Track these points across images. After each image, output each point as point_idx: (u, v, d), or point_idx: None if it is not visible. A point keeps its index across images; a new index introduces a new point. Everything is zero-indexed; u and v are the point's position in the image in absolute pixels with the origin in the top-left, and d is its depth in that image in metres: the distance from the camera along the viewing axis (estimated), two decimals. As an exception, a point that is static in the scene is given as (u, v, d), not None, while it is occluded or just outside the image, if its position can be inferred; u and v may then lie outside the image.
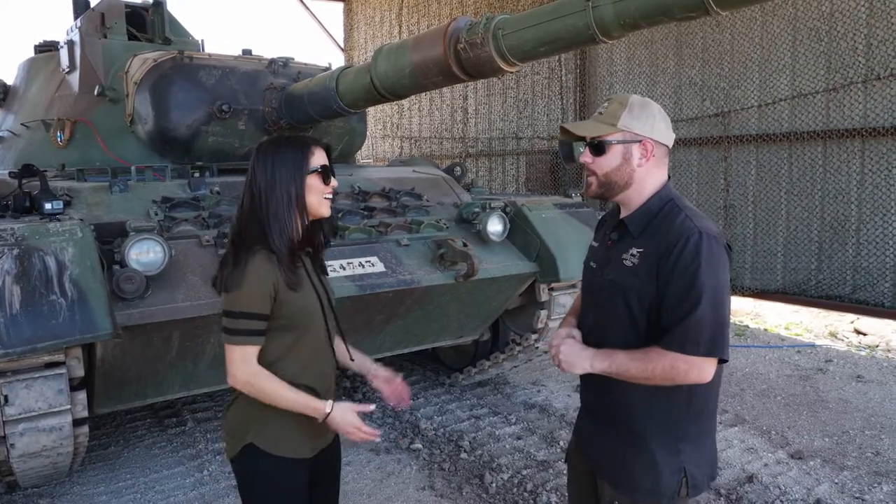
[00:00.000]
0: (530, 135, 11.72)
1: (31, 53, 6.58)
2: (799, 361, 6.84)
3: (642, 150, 2.13)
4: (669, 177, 2.23)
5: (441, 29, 3.64)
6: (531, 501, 4.12)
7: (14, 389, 3.31)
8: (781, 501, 4.10)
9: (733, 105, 8.46)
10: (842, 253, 7.48)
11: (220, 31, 31.59)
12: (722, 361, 2.04)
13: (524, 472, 4.47)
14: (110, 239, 3.71)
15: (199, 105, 5.14)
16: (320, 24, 16.48)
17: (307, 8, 16.12)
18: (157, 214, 4.12)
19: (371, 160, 15.11)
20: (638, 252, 2.10)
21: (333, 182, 2.32)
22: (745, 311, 8.95)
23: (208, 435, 5.12)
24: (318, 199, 2.28)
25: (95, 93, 5.38)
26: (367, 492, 4.28)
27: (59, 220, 3.57)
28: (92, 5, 5.94)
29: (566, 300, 4.99)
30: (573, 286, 4.95)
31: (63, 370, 3.41)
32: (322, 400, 2.27)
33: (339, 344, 2.51)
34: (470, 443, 4.91)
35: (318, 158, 2.28)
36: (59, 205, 3.86)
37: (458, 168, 5.98)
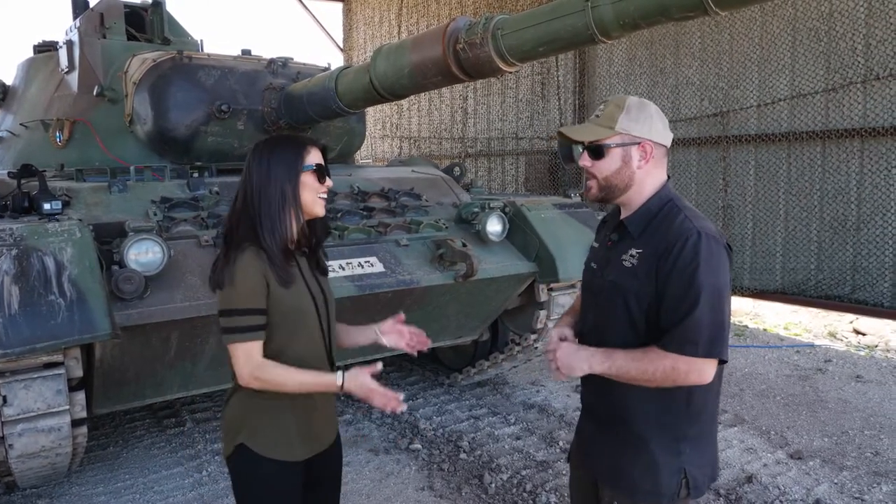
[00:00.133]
0: (530, 135, 11.73)
1: (31, 53, 6.58)
2: (798, 361, 6.84)
3: (641, 152, 2.12)
4: (669, 177, 2.22)
5: (440, 29, 3.63)
6: (530, 502, 4.11)
7: (13, 390, 3.30)
8: (781, 501, 4.10)
9: (732, 105, 8.46)
10: (841, 253, 7.48)
11: (220, 31, 31.62)
12: (722, 362, 2.03)
13: (523, 473, 4.46)
14: (109, 239, 3.71)
15: (198, 105, 5.13)
16: (319, 24, 16.48)
17: (306, 8, 16.12)
18: (155, 215, 4.12)
19: (370, 160, 15.10)
20: (637, 253, 2.10)
21: (328, 182, 2.32)
22: (744, 311, 8.95)
23: (207, 435, 5.11)
24: (313, 197, 2.28)
25: (94, 93, 5.38)
26: (366, 492, 4.28)
27: (57, 220, 3.56)
28: (91, 5, 5.93)
29: (565, 300, 4.99)
30: (572, 286, 4.95)
31: (62, 370, 3.40)
32: (332, 374, 2.25)
33: (342, 330, 2.49)
34: (469, 443, 4.91)
35: (314, 157, 2.28)
36: (57, 205, 3.86)
37: (457, 168, 5.98)
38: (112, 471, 4.60)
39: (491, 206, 4.89)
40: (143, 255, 3.58)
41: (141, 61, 5.28)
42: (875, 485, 4.29)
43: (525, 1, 11.11)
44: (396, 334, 2.55)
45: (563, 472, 4.41)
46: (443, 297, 4.63)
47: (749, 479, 4.36)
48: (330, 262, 4.11)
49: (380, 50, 4.10)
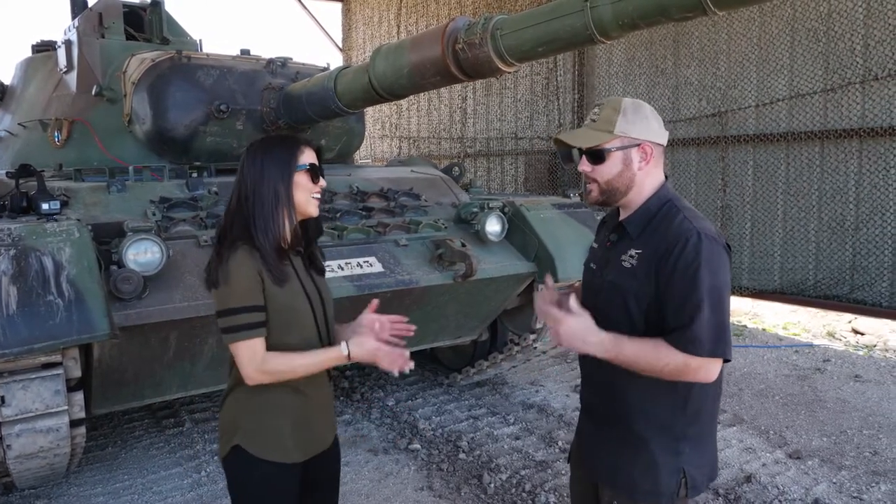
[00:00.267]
0: (529, 135, 11.72)
1: (29, 53, 6.57)
2: (797, 361, 6.85)
3: (642, 154, 2.12)
4: (667, 177, 2.22)
5: (439, 29, 3.63)
6: (529, 502, 4.11)
7: (11, 390, 3.30)
8: (780, 501, 4.10)
9: (731, 105, 8.47)
10: (839, 253, 7.48)
11: (218, 31, 31.61)
12: (725, 361, 2.04)
13: (522, 473, 4.46)
14: (108, 239, 3.71)
15: (196, 105, 5.13)
16: (318, 24, 16.46)
17: (305, 8, 16.11)
18: (154, 215, 4.12)
19: (369, 160, 15.09)
20: (636, 253, 2.10)
21: (322, 182, 2.32)
22: (742, 311, 8.96)
23: (206, 436, 5.11)
24: (306, 197, 2.28)
25: (93, 93, 5.37)
26: (365, 492, 4.27)
27: (56, 220, 3.55)
28: (90, 5, 5.93)
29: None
30: (571, 286, 4.94)
31: (60, 371, 3.41)
32: (336, 346, 2.25)
33: (340, 330, 2.45)
34: (468, 443, 4.91)
35: (308, 157, 2.29)
36: (56, 205, 3.85)
37: (456, 168, 5.98)
38: (111, 471, 4.59)
39: (490, 206, 4.89)
40: (142, 255, 3.57)
41: (140, 61, 5.28)
42: (874, 484, 4.29)
43: (524, 1, 11.10)
44: (370, 329, 2.33)
45: (563, 471, 4.41)
46: (442, 297, 4.63)
47: (748, 478, 4.36)
48: (329, 262, 4.13)
49: (379, 50, 4.10)
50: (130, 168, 4.68)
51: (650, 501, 2.13)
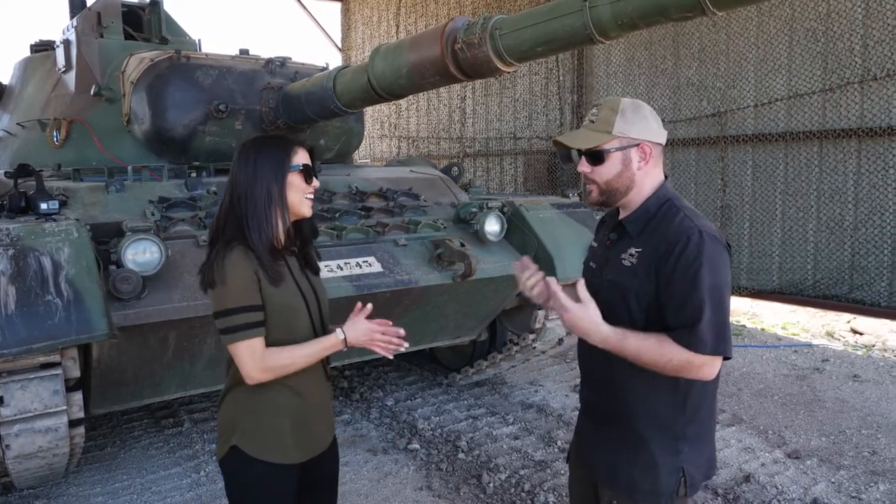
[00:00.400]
0: (528, 135, 11.73)
1: (28, 53, 6.56)
2: (796, 361, 6.85)
3: (641, 154, 2.12)
4: (667, 176, 2.22)
5: (438, 29, 3.63)
6: (529, 501, 4.11)
7: (9, 390, 3.30)
8: (778, 501, 4.10)
9: (730, 105, 8.47)
10: (838, 253, 7.49)
11: (218, 30, 31.59)
12: (726, 359, 2.04)
13: (522, 473, 4.46)
14: (106, 239, 3.70)
15: (195, 105, 5.13)
16: (318, 23, 16.46)
17: (304, 8, 16.11)
18: (153, 214, 4.11)
19: (368, 160, 15.10)
20: (637, 252, 2.10)
21: (315, 182, 2.32)
22: (742, 310, 8.96)
23: (205, 436, 5.11)
24: (300, 197, 2.28)
25: (92, 92, 5.36)
26: (364, 492, 4.27)
27: (55, 220, 3.55)
28: (88, 4, 5.92)
29: (563, 300, 4.99)
30: (571, 286, 4.94)
31: (59, 371, 3.40)
32: (332, 333, 2.27)
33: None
34: (467, 443, 4.91)
35: (301, 158, 2.28)
36: (54, 205, 3.85)
37: (455, 168, 5.98)
38: (110, 471, 4.59)
39: (489, 205, 4.89)
40: (141, 254, 3.57)
41: (138, 61, 5.27)
42: (872, 484, 4.29)
43: (523, 1, 11.10)
44: (360, 319, 2.33)
45: (562, 471, 4.41)
46: (441, 297, 4.63)
47: (747, 478, 4.36)
48: (328, 262, 4.14)
49: (378, 50, 4.10)
50: (129, 168, 4.68)
51: (650, 501, 2.13)
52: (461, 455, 4.73)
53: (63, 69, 5.78)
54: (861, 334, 7.82)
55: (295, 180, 2.25)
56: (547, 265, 4.70)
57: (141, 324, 3.53)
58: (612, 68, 10.21)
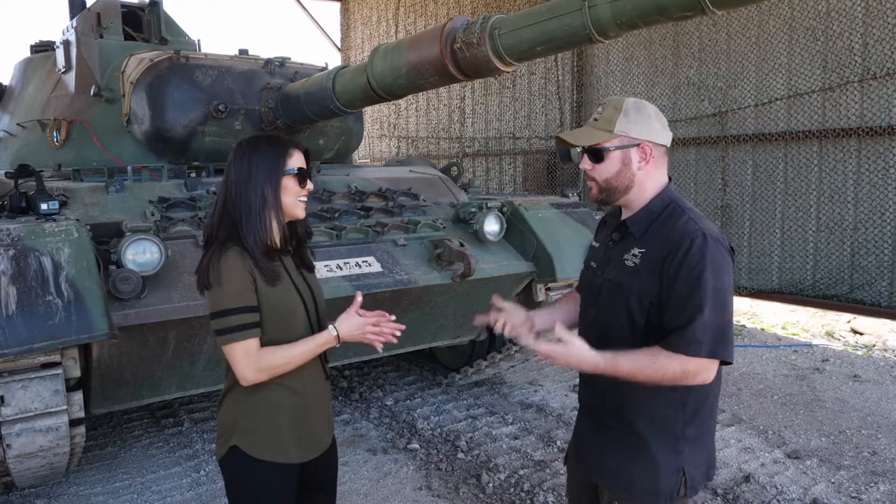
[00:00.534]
0: (527, 135, 11.72)
1: (28, 53, 6.57)
2: (796, 361, 6.85)
3: (641, 154, 2.12)
4: (670, 178, 2.22)
5: (437, 29, 3.63)
6: (528, 501, 4.12)
7: (10, 390, 3.31)
8: (778, 501, 4.10)
9: (730, 105, 8.46)
10: (838, 252, 7.48)
11: (217, 31, 31.59)
12: (726, 363, 2.04)
13: (521, 472, 4.47)
14: (106, 239, 3.71)
15: (195, 105, 5.14)
16: (317, 23, 16.46)
17: (304, 8, 16.10)
18: (153, 215, 4.12)
19: (368, 160, 15.10)
20: (640, 252, 2.10)
21: (309, 185, 2.33)
22: (741, 310, 8.96)
23: (205, 435, 5.11)
24: (293, 200, 2.28)
25: (92, 93, 5.37)
26: (363, 492, 4.28)
27: (55, 220, 3.56)
28: (88, 5, 5.93)
29: (563, 300, 4.99)
30: (570, 286, 4.95)
31: (59, 371, 3.41)
32: (324, 330, 2.27)
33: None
34: (467, 443, 4.91)
35: (296, 160, 2.28)
36: (55, 205, 3.86)
37: (454, 168, 5.98)
38: (110, 471, 4.60)
39: (488, 205, 4.89)
40: (141, 255, 3.58)
41: (138, 61, 5.28)
42: (872, 484, 4.29)
43: (522, 0, 11.10)
44: (352, 313, 2.32)
45: (561, 471, 4.41)
46: (440, 296, 4.63)
47: (746, 478, 4.36)
48: (327, 262, 4.15)
49: (377, 49, 4.10)
50: (129, 168, 4.69)
51: (649, 501, 2.13)
52: (460, 455, 4.73)
53: (63, 70, 5.78)
54: (861, 334, 7.82)
55: (289, 183, 2.26)
56: (546, 265, 4.71)
57: (141, 324, 3.54)
58: (611, 67, 10.21)
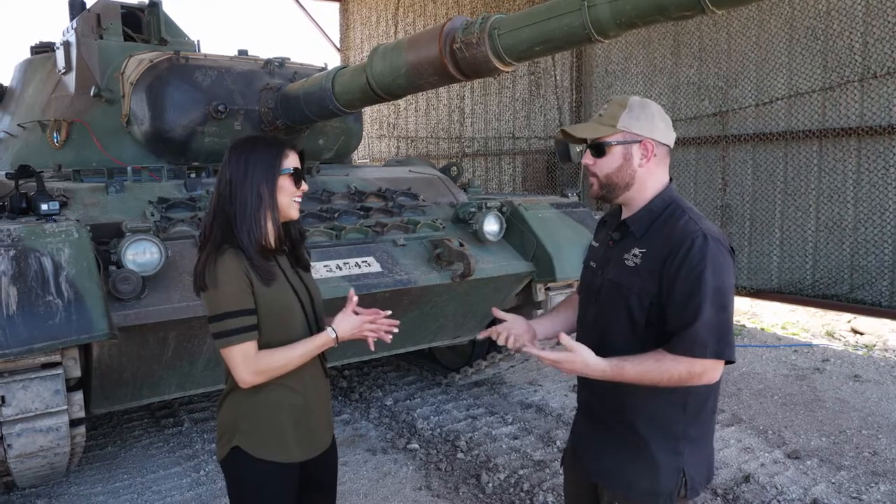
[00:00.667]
0: (527, 135, 11.72)
1: (28, 54, 6.58)
2: (796, 361, 6.85)
3: (643, 151, 2.13)
4: (671, 179, 2.22)
5: (437, 29, 3.64)
6: (528, 501, 4.12)
7: (11, 390, 3.31)
8: (778, 501, 4.10)
9: (731, 104, 8.46)
10: (838, 252, 7.48)
11: (216, 31, 31.58)
12: (729, 363, 2.04)
13: (521, 472, 4.47)
14: (106, 239, 3.72)
15: (194, 105, 5.14)
16: (316, 24, 16.47)
17: (303, 8, 16.11)
18: (153, 215, 4.12)
19: (367, 160, 15.10)
20: (640, 252, 2.10)
21: (304, 186, 2.34)
22: (741, 310, 8.96)
23: (205, 435, 5.12)
24: (288, 200, 2.29)
25: (91, 94, 5.38)
26: (363, 492, 4.28)
27: (55, 220, 3.57)
28: (88, 6, 5.94)
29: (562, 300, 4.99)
30: (569, 286, 4.95)
31: (60, 371, 3.41)
32: (323, 331, 2.28)
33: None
34: (466, 443, 4.91)
35: (292, 161, 2.29)
36: (55, 206, 3.86)
37: (454, 168, 5.98)
38: (110, 470, 4.60)
39: (488, 205, 4.89)
40: (141, 255, 3.58)
41: (138, 62, 5.28)
42: (873, 484, 4.29)
43: (522, 0, 11.10)
44: (349, 312, 2.35)
45: (561, 471, 4.40)
46: (440, 296, 4.63)
47: (746, 478, 4.36)
48: (327, 262, 4.15)
49: (376, 50, 4.10)
50: (129, 168, 4.69)
51: (650, 502, 2.13)
52: (460, 455, 4.74)
53: (63, 71, 5.79)
54: (861, 334, 7.82)
55: (285, 183, 2.26)
56: (545, 265, 4.71)
57: (141, 324, 3.54)
58: (611, 67, 10.20)
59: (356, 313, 2.34)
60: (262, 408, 2.26)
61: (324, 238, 4.34)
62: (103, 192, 4.35)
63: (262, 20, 36.76)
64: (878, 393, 5.89)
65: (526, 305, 5.14)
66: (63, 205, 4.05)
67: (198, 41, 6.49)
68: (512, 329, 2.35)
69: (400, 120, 14.78)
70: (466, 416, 5.43)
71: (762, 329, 8.23)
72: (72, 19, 5.95)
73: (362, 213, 4.79)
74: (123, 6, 5.99)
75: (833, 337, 7.82)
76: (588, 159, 2.19)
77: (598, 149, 2.15)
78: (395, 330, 2.36)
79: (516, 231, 4.92)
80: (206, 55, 5.49)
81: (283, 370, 2.21)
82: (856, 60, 7.17)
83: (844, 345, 7.48)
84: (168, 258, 3.68)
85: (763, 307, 9.08)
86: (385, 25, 14.90)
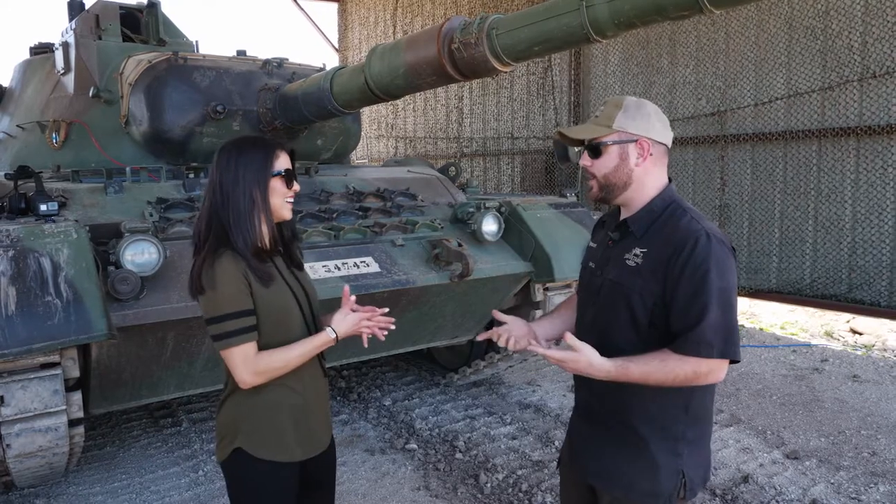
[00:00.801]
0: (525, 135, 11.72)
1: (27, 55, 6.57)
2: (795, 361, 6.86)
3: (639, 150, 2.13)
4: (671, 179, 2.22)
5: (435, 29, 3.64)
6: (526, 501, 4.12)
7: (10, 390, 3.31)
8: (777, 502, 4.10)
9: (729, 104, 8.46)
10: (837, 252, 7.48)
11: (215, 32, 31.58)
12: (734, 362, 2.04)
13: (519, 473, 4.47)
14: (105, 240, 3.72)
15: (193, 106, 5.14)
16: (315, 24, 16.46)
17: (301, 9, 16.10)
18: (151, 215, 4.13)
19: (366, 160, 15.10)
20: (642, 252, 2.10)
21: (296, 186, 2.33)
22: (740, 310, 8.87)
23: (203, 435, 5.12)
24: (281, 201, 2.29)
25: (90, 94, 5.38)
26: (362, 492, 4.28)
27: (54, 221, 3.57)
28: (86, 7, 5.94)
29: (561, 300, 4.99)
30: (568, 286, 4.96)
31: (58, 371, 3.41)
32: (322, 331, 2.29)
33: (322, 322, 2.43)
34: (465, 443, 4.91)
35: (282, 162, 2.29)
36: (54, 206, 3.86)
37: (452, 168, 5.99)
38: (109, 470, 4.60)
39: (486, 205, 4.89)
40: (139, 255, 3.58)
41: (136, 62, 5.29)
42: (872, 485, 4.30)
43: (520, 0, 11.10)
44: (346, 310, 2.36)
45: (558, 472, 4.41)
46: (438, 297, 4.63)
47: (745, 478, 4.36)
48: (325, 262, 4.15)
49: (374, 50, 4.11)
50: (128, 169, 4.69)
51: (649, 503, 2.12)
52: (459, 455, 4.74)
53: (62, 71, 5.79)
54: (860, 334, 7.82)
55: (276, 185, 2.26)
56: (544, 265, 4.71)
57: (139, 324, 3.54)
58: (609, 67, 10.20)
59: (353, 310, 2.34)
60: (262, 408, 2.26)
61: (322, 238, 4.34)
62: (102, 192, 4.35)
63: (261, 20, 36.80)
64: (877, 393, 5.89)
65: (524, 306, 5.14)
66: (62, 205, 4.05)
67: (196, 41, 6.50)
68: (512, 331, 2.35)
69: (398, 120, 14.78)
70: (465, 417, 5.43)
71: (761, 329, 8.23)
72: (71, 20, 5.95)
73: (361, 213, 4.79)
74: (122, 7, 6.00)
75: (832, 337, 7.82)
76: (586, 160, 2.19)
77: (595, 149, 2.15)
78: (392, 327, 2.38)
79: (515, 231, 4.92)
80: (204, 56, 5.50)
81: (282, 370, 2.21)
82: (855, 60, 7.17)
83: (843, 345, 7.48)
84: (167, 258, 3.68)
85: (762, 307, 9.08)
86: (383, 26, 14.91)
